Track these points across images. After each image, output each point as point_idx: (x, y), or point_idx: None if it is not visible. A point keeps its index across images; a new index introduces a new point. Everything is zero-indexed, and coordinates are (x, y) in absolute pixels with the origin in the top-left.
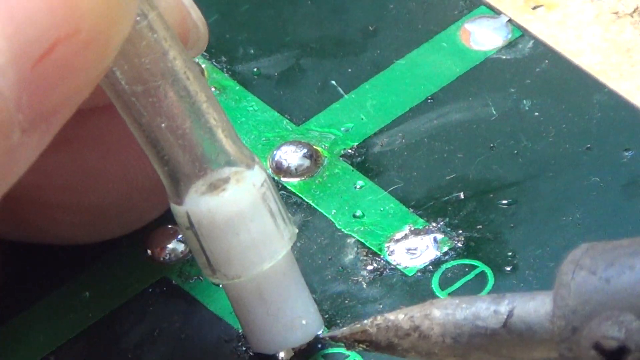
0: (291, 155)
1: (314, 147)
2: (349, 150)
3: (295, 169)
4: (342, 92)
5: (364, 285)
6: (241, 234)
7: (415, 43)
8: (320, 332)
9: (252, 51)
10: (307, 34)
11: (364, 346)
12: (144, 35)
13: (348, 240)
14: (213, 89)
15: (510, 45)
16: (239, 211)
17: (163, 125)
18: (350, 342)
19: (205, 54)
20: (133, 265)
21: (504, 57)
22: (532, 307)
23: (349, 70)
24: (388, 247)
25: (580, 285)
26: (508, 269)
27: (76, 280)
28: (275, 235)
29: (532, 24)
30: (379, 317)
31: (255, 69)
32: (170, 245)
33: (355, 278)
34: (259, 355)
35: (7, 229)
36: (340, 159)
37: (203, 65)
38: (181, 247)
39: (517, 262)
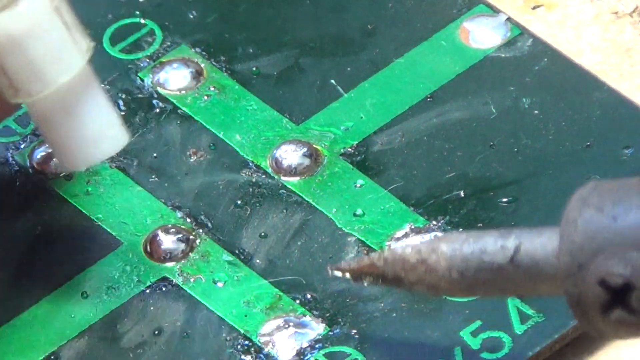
0: (291, 154)
1: (314, 146)
2: (349, 149)
3: (295, 168)
4: (341, 91)
5: (366, 283)
6: (38, 47)
7: (414, 42)
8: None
9: (251, 50)
10: (306, 33)
11: (371, 279)
12: None
13: (348, 239)
14: (212, 88)
15: (509, 43)
16: (35, 23)
17: None
18: (357, 275)
19: (204, 53)
20: (133, 265)
21: (503, 55)
22: (539, 243)
23: (348, 69)
24: (389, 246)
25: (586, 223)
26: None
27: (76, 280)
28: (72, 47)
29: (531, 24)
30: (386, 251)
31: (254, 68)
32: (170, 245)
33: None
34: (259, 354)
35: None
36: (340, 157)
37: (202, 65)
38: (181, 246)
39: None
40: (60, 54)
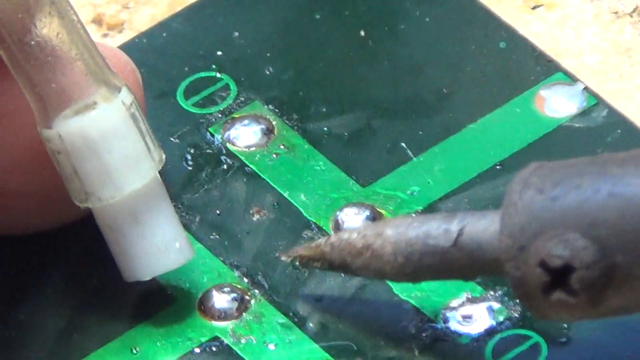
0: (353, 217)
1: (378, 209)
2: (413, 215)
3: None
4: (411, 154)
5: (417, 352)
6: (113, 152)
7: (488, 107)
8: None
9: (324, 109)
10: (381, 93)
11: (318, 264)
12: None
13: (404, 306)
14: (281, 147)
15: (584, 113)
16: (110, 128)
17: (32, 42)
18: (305, 261)
19: (277, 110)
20: (185, 323)
21: (576, 125)
22: (482, 225)
23: (420, 132)
24: (444, 314)
25: (527, 204)
26: (562, 340)
27: (126, 335)
28: (146, 155)
29: (531, 24)
30: (332, 237)
31: (325, 128)
32: (224, 304)
33: (409, 344)
34: None
35: None
36: None
37: (274, 122)
38: (235, 306)
39: (572, 335)
40: (133, 160)
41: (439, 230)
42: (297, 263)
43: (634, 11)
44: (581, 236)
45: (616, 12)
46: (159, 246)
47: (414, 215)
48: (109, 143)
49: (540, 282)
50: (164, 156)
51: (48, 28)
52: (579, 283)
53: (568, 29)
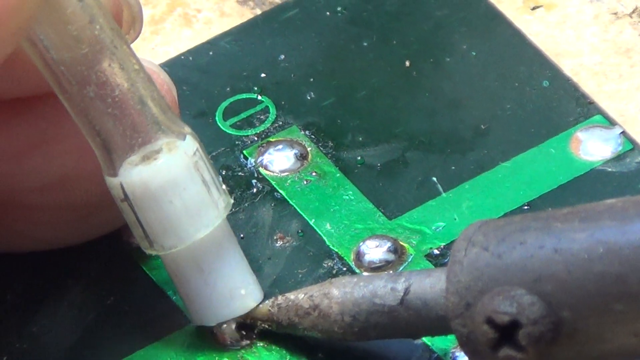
0: (374, 250)
1: (401, 242)
2: (435, 250)
3: (377, 264)
4: (441, 189)
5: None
6: (175, 202)
7: (524, 146)
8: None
9: (360, 139)
10: (418, 126)
11: (267, 325)
12: (69, 2)
13: (415, 343)
14: (313, 174)
15: (618, 157)
16: (172, 179)
17: (92, 94)
18: (254, 322)
19: (313, 136)
20: (196, 346)
21: (609, 169)
22: (428, 284)
23: (453, 167)
24: (453, 353)
25: (472, 262)
26: None
27: (137, 355)
28: (209, 204)
29: (531, 25)
30: (279, 297)
31: (359, 158)
32: (235, 330)
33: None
34: None
35: None
36: (425, 258)
37: (308, 148)
38: (247, 333)
39: None
40: (196, 210)
41: (386, 289)
42: (247, 321)
43: (633, 12)
44: (527, 292)
45: (616, 13)
46: (224, 294)
47: (358, 276)
48: (171, 193)
49: (487, 339)
50: (231, 201)
51: (108, 79)
52: (527, 339)
53: (568, 30)
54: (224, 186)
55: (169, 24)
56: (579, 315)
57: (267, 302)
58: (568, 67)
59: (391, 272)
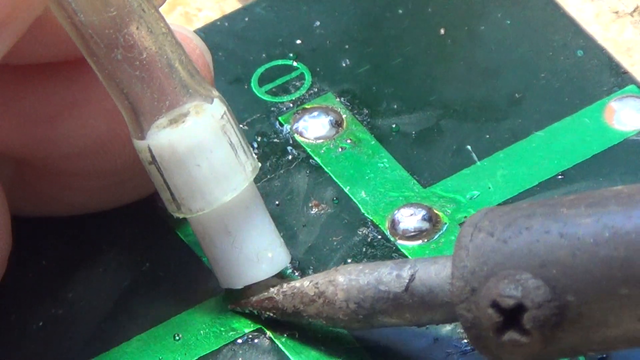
0: (409, 219)
1: (435, 211)
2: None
3: (413, 232)
4: (475, 158)
5: (456, 357)
6: (202, 165)
7: (557, 116)
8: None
9: (395, 106)
10: (453, 94)
11: (272, 313)
12: None
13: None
14: (348, 141)
15: None
16: (199, 142)
17: (119, 57)
18: (258, 310)
19: (348, 103)
20: (231, 313)
21: None
22: (434, 270)
23: (487, 136)
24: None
25: (478, 247)
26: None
27: (172, 321)
28: (236, 167)
29: None
30: (284, 285)
31: (394, 125)
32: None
33: (448, 350)
34: None
35: (24, 203)
36: (459, 226)
37: (344, 116)
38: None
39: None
40: (224, 173)
41: (391, 276)
42: (251, 310)
43: (634, 11)
44: (532, 276)
45: (617, 12)
46: (251, 256)
47: (363, 264)
48: (198, 157)
49: (492, 323)
50: (258, 165)
51: (136, 42)
52: (531, 322)
53: None
54: (251, 150)
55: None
56: (584, 300)
57: (272, 289)
58: None
59: (422, 241)
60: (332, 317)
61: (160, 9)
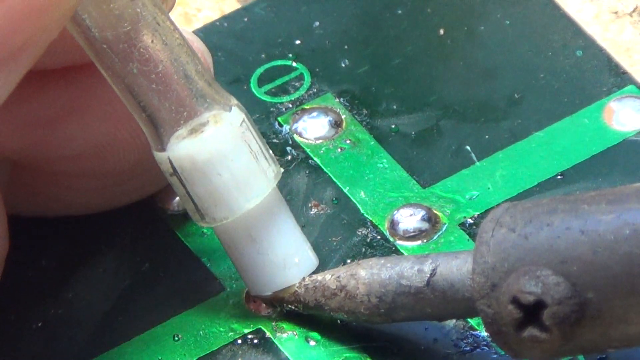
0: (409, 219)
1: (435, 211)
2: (469, 219)
3: (412, 233)
4: (474, 158)
5: (455, 358)
6: (223, 174)
7: (557, 116)
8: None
9: (394, 107)
10: (452, 95)
11: (293, 306)
12: None
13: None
14: (348, 141)
15: None
16: (219, 151)
17: (135, 71)
18: (279, 303)
19: (348, 104)
20: (230, 313)
21: None
22: (455, 265)
23: (486, 137)
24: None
25: (499, 243)
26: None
27: (172, 321)
28: (258, 174)
29: None
30: (307, 278)
31: (393, 126)
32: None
33: (449, 350)
34: None
35: (21, 203)
36: (458, 227)
37: (343, 116)
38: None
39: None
40: (245, 181)
41: (412, 270)
42: (273, 304)
43: (633, 11)
44: (553, 273)
45: (616, 12)
46: (277, 263)
47: (385, 258)
48: (219, 166)
49: (512, 319)
50: (281, 170)
51: (151, 55)
52: (551, 319)
53: None
54: (273, 155)
55: None
56: (604, 297)
57: (294, 284)
58: None
59: (422, 241)
60: (354, 311)
61: None
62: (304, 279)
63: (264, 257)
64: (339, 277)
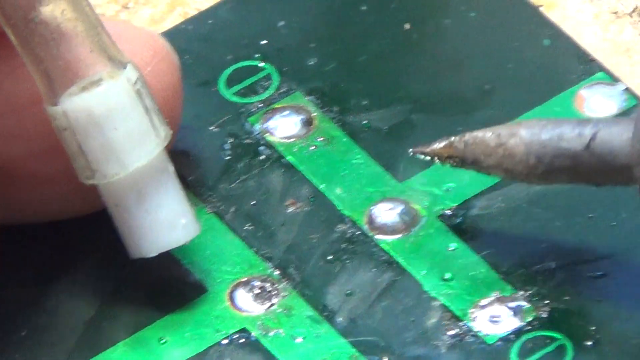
0: (387, 213)
1: (412, 205)
2: (448, 211)
3: (391, 227)
4: None
5: (443, 350)
6: (118, 128)
7: (528, 105)
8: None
9: (364, 102)
10: (422, 88)
11: (452, 161)
12: None
13: (433, 303)
14: (320, 139)
15: (624, 114)
16: (115, 105)
17: (36, 20)
18: (438, 157)
19: (318, 101)
20: (215, 314)
21: None
22: (616, 131)
23: (459, 128)
24: (472, 313)
25: None
26: (589, 343)
27: (156, 325)
28: (151, 132)
29: None
30: (467, 134)
31: (365, 121)
32: (254, 296)
33: (436, 342)
34: None
35: None
36: (438, 219)
37: (314, 114)
38: (266, 298)
39: (600, 337)
40: (138, 137)
41: (573, 133)
42: (432, 158)
43: (633, 11)
44: None
45: (616, 12)
46: (164, 223)
47: (546, 119)
48: (114, 120)
49: None
50: (170, 132)
51: (53, 6)
52: None
53: (568, 29)
54: (163, 117)
55: (169, 24)
56: None
57: (453, 138)
58: None
59: (402, 235)
60: (511, 170)
61: (160, 11)
62: (463, 134)
63: (152, 217)
64: (499, 134)
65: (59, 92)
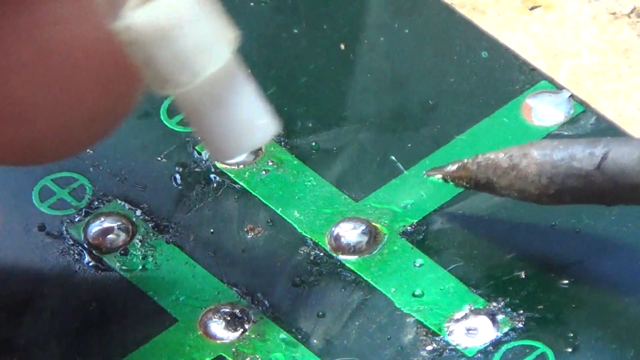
0: (349, 232)
1: (373, 223)
2: (409, 228)
3: (354, 246)
4: (401, 167)
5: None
6: (186, 36)
7: (475, 118)
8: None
9: (310, 125)
10: (366, 107)
11: (465, 183)
12: None
13: (407, 320)
14: (270, 163)
15: (572, 121)
16: (180, 13)
17: None
18: (451, 179)
19: None
20: (188, 343)
21: (565, 133)
22: (627, 151)
23: (409, 145)
24: (448, 327)
25: None
26: (569, 350)
27: (130, 358)
28: (220, 37)
29: (529, 25)
30: (479, 156)
31: (313, 143)
32: (226, 323)
33: (415, 358)
34: None
35: None
36: (400, 236)
37: None
38: (238, 325)
39: (579, 344)
40: (207, 44)
41: (584, 153)
42: (446, 180)
43: (631, 12)
44: None
45: (614, 13)
46: (242, 125)
47: (558, 140)
48: (181, 29)
49: None
50: (238, 33)
51: None
52: None
53: (566, 30)
54: (228, 20)
55: None
56: None
57: (466, 160)
58: (566, 67)
59: (366, 254)
60: (523, 190)
61: None
62: (477, 156)
63: (228, 121)
64: (511, 155)
65: (120, 7)
